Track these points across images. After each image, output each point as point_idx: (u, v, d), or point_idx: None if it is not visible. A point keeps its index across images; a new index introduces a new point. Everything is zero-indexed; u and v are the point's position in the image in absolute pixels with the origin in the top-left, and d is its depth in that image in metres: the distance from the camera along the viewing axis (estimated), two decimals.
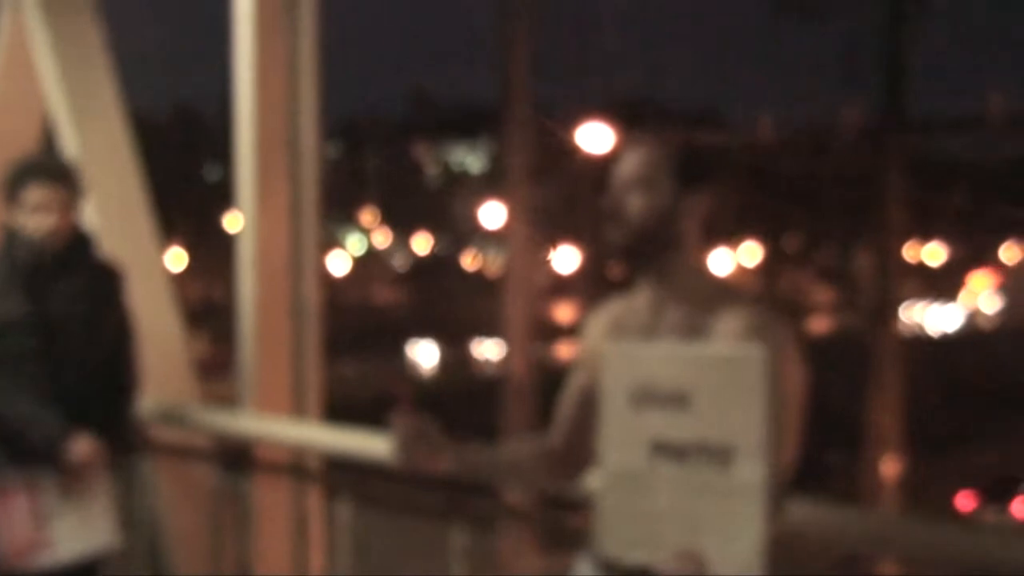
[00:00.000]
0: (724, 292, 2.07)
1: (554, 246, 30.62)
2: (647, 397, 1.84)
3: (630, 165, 2.14)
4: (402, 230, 71.87)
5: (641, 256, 2.12)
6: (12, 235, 3.02)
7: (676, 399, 1.81)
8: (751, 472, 1.72)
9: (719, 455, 1.76)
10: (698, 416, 1.78)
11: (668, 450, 1.81)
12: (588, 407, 2.13)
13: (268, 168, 3.84)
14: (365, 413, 3.56)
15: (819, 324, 43.34)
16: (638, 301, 2.16)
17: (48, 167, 3.05)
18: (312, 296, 3.86)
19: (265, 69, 3.81)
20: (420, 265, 55.27)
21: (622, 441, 1.85)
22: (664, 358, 1.88)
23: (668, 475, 1.79)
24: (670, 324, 2.08)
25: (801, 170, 16.31)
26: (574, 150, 25.83)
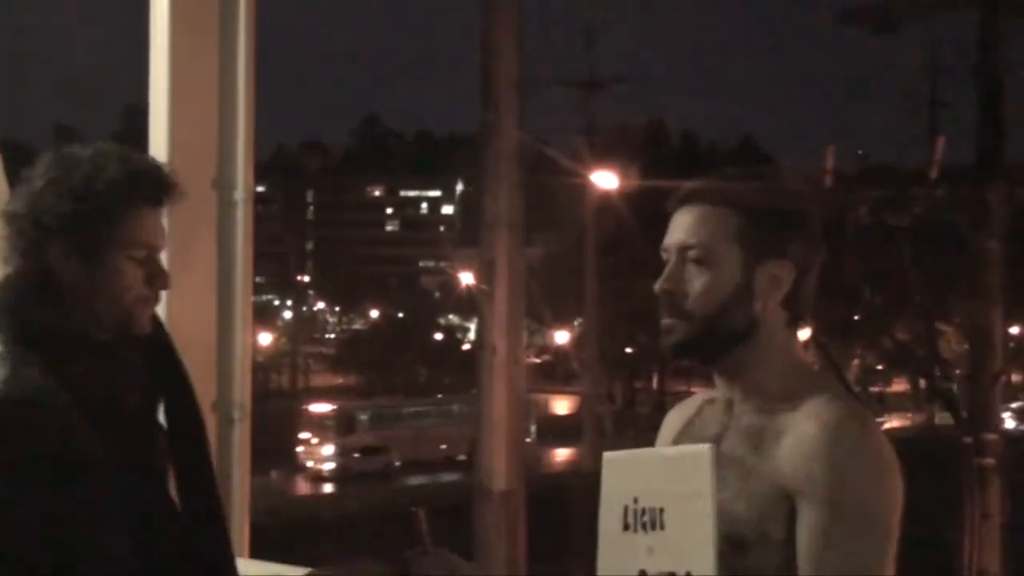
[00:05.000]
0: (804, 386, 2.05)
1: (552, 317, 30.55)
2: (634, 515, 2.00)
3: (683, 229, 2.11)
4: (346, 295, 72.64)
5: (708, 352, 2.09)
6: (72, 296, 2.29)
7: (654, 517, 1.97)
8: None
9: None
10: (668, 539, 1.94)
11: None
12: None
13: (185, 224, 3.72)
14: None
15: (890, 419, 43.36)
16: (717, 402, 2.16)
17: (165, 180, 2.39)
18: (242, 394, 3.74)
19: (186, 89, 3.72)
20: (375, 336, 55.42)
21: (617, 569, 1.98)
22: (647, 466, 2.00)
23: None
24: (738, 433, 2.08)
25: (871, 221, 16.36)
26: (581, 193, 25.88)
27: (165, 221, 2.44)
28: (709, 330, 2.08)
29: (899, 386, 55.85)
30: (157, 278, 2.37)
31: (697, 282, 2.08)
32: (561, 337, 49.73)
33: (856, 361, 52.96)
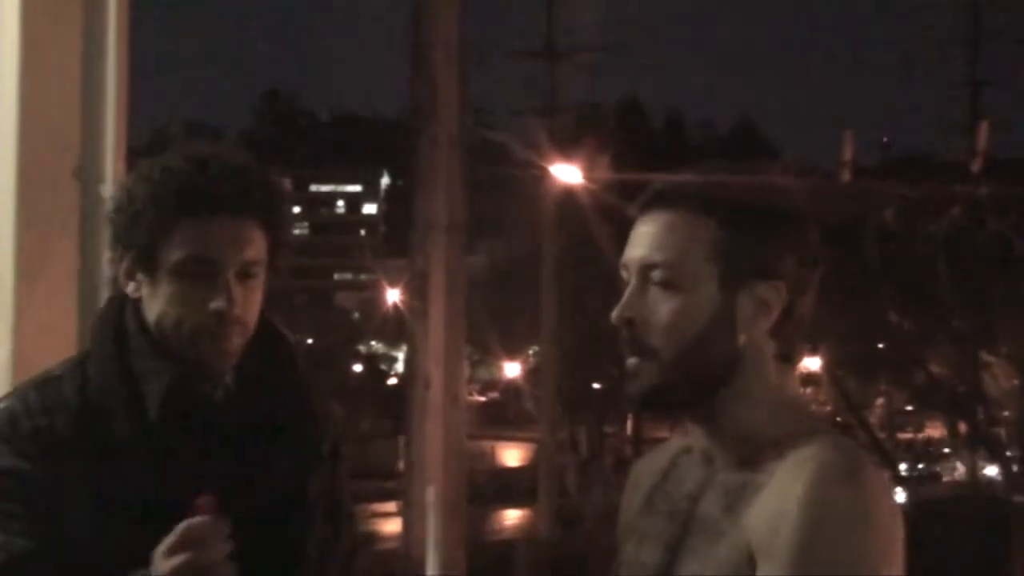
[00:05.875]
0: (795, 431, 2.08)
1: (501, 345, 30.56)
2: None
3: (646, 242, 2.12)
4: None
5: (681, 401, 2.12)
6: (134, 322, 2.61)
7: None
8: None
9: None
10: None
11: None
12: None
13: (41, 221, 3.73)
14: None
15: (922, 473, 43.72)
16: (695, 451, 2.19)
17: (239, 175, 2.59)
18: None
19: (41, 58, 3.74)
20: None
21: None
22: None
23: None
24: (716, 490, 2.11)
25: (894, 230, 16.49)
26: (538, 189, 25.97)
27: (239, 230, 2.57)
28: (682, 372, 2.08)
29: (934, 430, 56.25)
30: (213, 298, 2.53)
31: (664, 310, 2.08)
32: (512, 370, 49.63)
33: (880, 401, 53.26)
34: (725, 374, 2.09)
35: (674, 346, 2.07)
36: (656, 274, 2.09)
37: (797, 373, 2.18)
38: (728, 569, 2.02)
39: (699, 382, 2.08)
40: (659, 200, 2.12)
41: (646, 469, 2.30)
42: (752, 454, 2.08)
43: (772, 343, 2.12)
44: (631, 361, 2.10)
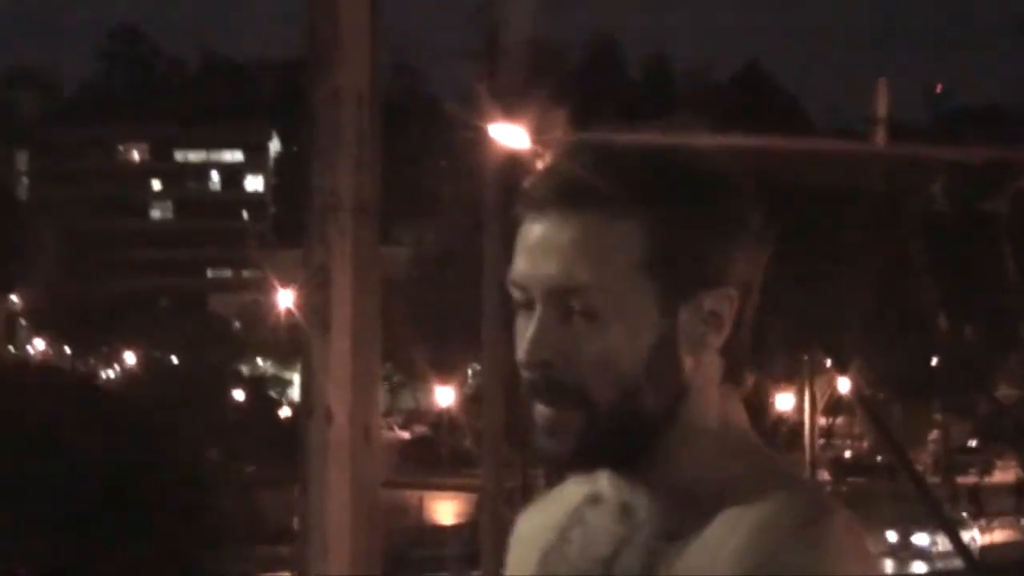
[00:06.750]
0: (741, 472, 2.11)
1: (431, 365, 30.61)
2: None
3: (555, 258, 2.09)
4: (84, 327, 72.82)
5: (619, 455, 2.13)
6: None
7: None
8: None
9: None
10: None
11: None
12: None
13: None
14: None
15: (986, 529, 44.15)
16: (605, 502, 2.20)
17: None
18: None
19: None
20: (131, 395, 55.27)
21: None
22: None
23: None
24: (640, 551, 2.13)
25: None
26: (476, 157, 26.10)
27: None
28: (619, 420, 2.09)
29: (1005, 474, 56.51)
30: None
31: (594, 347, 2.07)
32: (445, 396, 49.58)
33: (934, 434, 53.54)
34: (670, 413, 2.11)
35: (609, 390, 2.07)
36: (578, 302, 2.07)
37: (737, 398, 2.18)
38: None
39: (640, 428, 2.10)
40: (565, 196, 2.08)
41: (536, 524, 2.31)
42: (688, 506, 2.10)
43: (718, 362, 2.14)
44: (547, 411, 2.09)
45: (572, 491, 2.27)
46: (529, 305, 2.10)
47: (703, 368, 2.11)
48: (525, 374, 2.09)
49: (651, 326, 2.07)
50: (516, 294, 2.12)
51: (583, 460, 2.12)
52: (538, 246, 2.08)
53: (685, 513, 2.09)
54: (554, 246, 2.07)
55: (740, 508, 2.03)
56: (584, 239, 2.05)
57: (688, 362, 2.09)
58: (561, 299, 2.07)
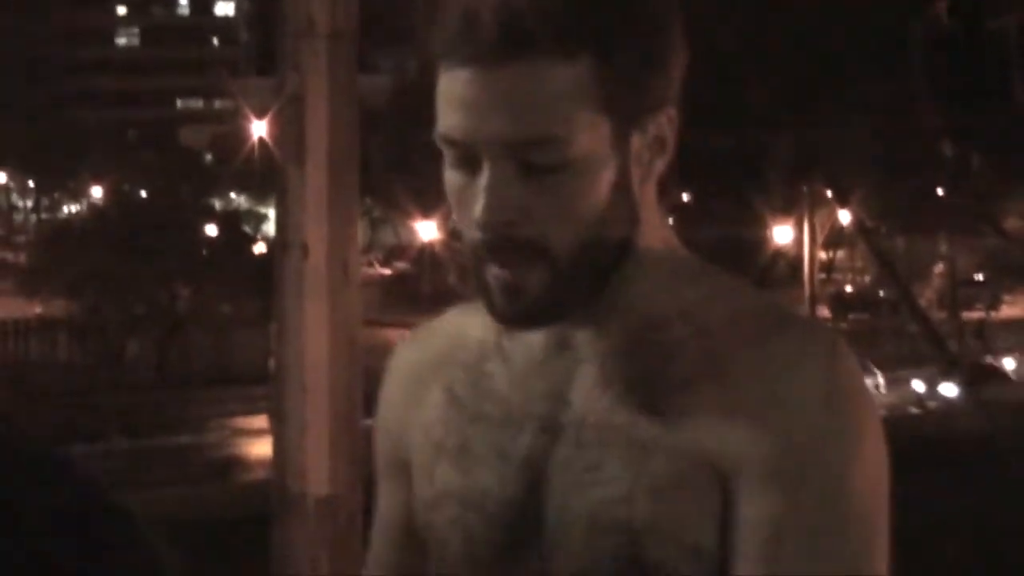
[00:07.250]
0: (708, 294, 2.12)
1: (412, 199, 30.51)
2: None
3: (503, 109, 2.03)
4: (47, 161, 72.84)
5: (577, 302, 2.11)
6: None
7: None
8: None
9: None
10: None
11: None
12: (415, 549, 2.27)
13: None
14: None
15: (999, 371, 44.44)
16: (527, 336, 2.17)
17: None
18: None
19: None
20: (99, 231, 55.47)
21: None
22: None
23: None
24: (602, 385, 2.11)
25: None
26: None
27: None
28: (581, 266, 2.08)
29: (1014, 308, 56.58)
30: None
31: (555, 199, 2.04)
32: (428, 231, 49.48)
33: (939, 267, 53.65)
34: (625, 246, 2.11)
35: (571, 239, 2.05)
36: (536, 155, 2.02)
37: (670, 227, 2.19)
38: (676, 495, 2.03)
39: (600, 270, 2.09)
40: (501, 41, 2.00)
41: (425, 358, 2.29)
42: (649, 333, 2.10)
43: (654, 186, 2.15)
44: (503, 272, 2.06)
45: (463, 322, 2.26)
46: (469, 162, 2.05)
47: (647, 195, 2.11)
48: (479, 235, 2.05)
49: (608, 166, 2.04)
50: (451, 151, 2.06)
51: (548, 316, 2.09)
52: (480, 98, 2.01)
53: (649, 341, 2.08)
54: (501, 98, 2.00)
55: (748, 337, 2.04)
56: (532, 87, 1.99)
57: (639, 192, 2.09)
58: (516, 154, 2.01)
